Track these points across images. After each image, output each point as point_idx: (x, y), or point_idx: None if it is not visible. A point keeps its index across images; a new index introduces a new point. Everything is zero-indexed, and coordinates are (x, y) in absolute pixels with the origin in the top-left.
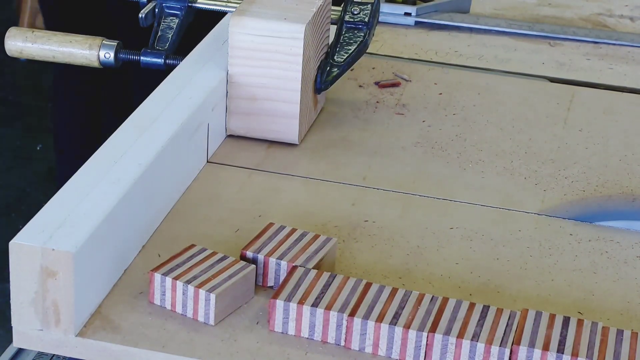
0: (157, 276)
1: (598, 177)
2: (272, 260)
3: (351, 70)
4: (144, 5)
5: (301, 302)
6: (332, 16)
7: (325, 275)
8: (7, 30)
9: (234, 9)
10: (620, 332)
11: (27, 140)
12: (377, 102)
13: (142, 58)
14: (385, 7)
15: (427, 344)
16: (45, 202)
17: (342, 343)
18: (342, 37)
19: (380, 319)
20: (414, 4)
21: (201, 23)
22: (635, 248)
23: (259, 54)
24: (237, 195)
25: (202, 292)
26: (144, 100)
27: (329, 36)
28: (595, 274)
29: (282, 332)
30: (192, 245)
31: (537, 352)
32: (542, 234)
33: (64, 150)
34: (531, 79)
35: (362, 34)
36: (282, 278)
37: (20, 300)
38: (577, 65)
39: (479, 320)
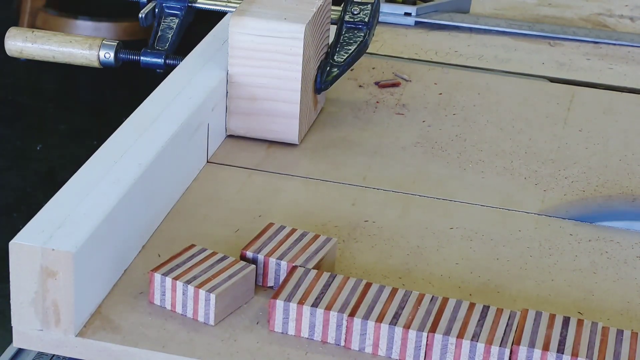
0: (157, 276)
1: (598, 177)
2: (272, 260)
3: (351, 70)
4: (144, 5)
5: (301, 302)
6: (332, 16)
7: (325, 276)
8: (7, 30)
9: (234, 9)
10: (620, 332)
11: (27, 140)
12: (377, 102)
13: (142, 58)
14: (385, 7)
15: (427, 344)
16: (45, 202)
17: (342, 343)
18: (342, 37)
19: (380, 319)
20: (414, 4)
21: (201, 23)
22: (635, 248)
23: (259, 54)
24: (237, 195)
25: (202, 292)
26: None
27: (329, 36)
28: (595, 274)
29: (282, 332)
30: (192, 245)
31: (537, 352)
32: (542, 234)
33: None
34: (531, 79)
35: (362, 34)
36: (282, 278)
37: (20, 300)
38: (577, 65)
39: (479, 320)
